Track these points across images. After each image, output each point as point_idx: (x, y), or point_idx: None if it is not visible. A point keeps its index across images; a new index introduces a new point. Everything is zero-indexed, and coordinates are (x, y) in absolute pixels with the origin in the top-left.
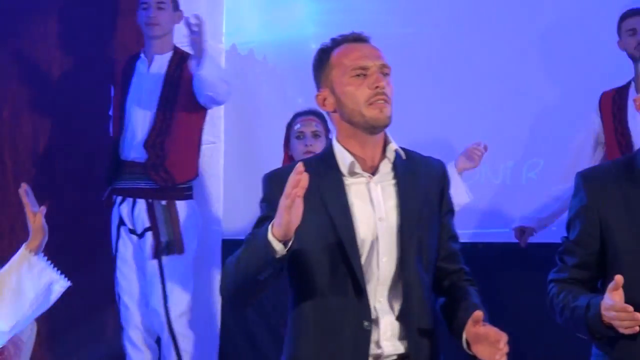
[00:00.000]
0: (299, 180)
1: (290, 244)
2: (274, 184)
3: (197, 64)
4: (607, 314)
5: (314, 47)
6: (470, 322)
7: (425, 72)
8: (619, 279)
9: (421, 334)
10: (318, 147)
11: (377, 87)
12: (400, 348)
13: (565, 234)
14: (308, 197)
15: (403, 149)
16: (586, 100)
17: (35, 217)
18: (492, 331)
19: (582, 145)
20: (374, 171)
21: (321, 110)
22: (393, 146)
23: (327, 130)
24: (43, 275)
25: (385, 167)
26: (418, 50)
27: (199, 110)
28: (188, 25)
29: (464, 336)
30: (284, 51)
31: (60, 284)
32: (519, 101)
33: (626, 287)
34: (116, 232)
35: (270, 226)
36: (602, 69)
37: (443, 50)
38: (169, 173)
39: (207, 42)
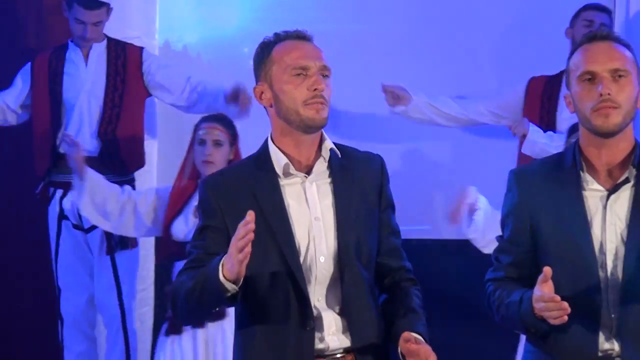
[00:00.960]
0: (249, 236)
1: (241, 281)
2: (209, 190)
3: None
4: (537, 305)
5: (248, 43)
6: (401, 339)
7: (360, 69)
8: (547, 270)
9: (364, 329)
10: (218, 155)
11: (315, 89)
12: (346, 342)
13: (501, 233)
14: (243, 201)
15: (340, 145)
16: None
17: None
18: (422, 350)
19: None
20: (309, 170)
21: (228, 116)
22: (328, 144)
23: (233, 137)
24: None
25: (321, 165)
26: (352, 47)
27: (143, 100)
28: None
29: (399, 348)
30: (217, 48)
31: None
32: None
33: (554, 284)
34: (56, 227)
35: (220, 266)
36: (520, 58)
37: (378, 46)
38: (123, 163)
39: (140, 38)
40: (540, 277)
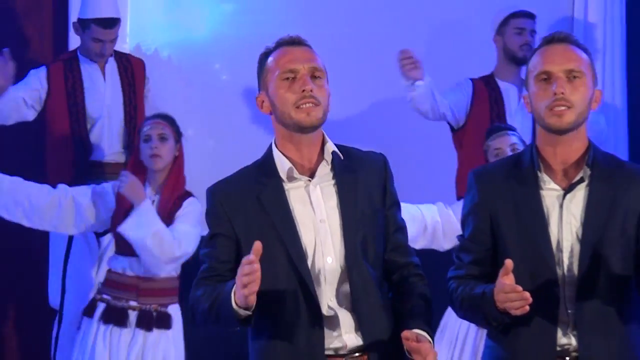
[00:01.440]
0: (255, 276)
1: (254, 306)
2: (216, 197)
3: None
4: (499, 297)
5: (218, 48)
6: (403, 338)
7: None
8: (508, 262)
9: (375, 329)
10: (165, 150)
11: (303, 90)
12: (360, 341)
13: (462, 233)
14: (250, 207)
15: (342, 147)
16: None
17: None
18: (423, 347)
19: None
20: (312, 174)
21: (170, 114)
22: (330, 147)
23: (178, 134)
24: None
25: (324, 168)
26: (319, 49)
27: (144, 112)
28: None
29: (405, 346)
30: (188, 51)
31: None
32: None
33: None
34: None
35: (232, 294)
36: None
37: (343, 49)
38: None
39: None
40: (502, 270)
